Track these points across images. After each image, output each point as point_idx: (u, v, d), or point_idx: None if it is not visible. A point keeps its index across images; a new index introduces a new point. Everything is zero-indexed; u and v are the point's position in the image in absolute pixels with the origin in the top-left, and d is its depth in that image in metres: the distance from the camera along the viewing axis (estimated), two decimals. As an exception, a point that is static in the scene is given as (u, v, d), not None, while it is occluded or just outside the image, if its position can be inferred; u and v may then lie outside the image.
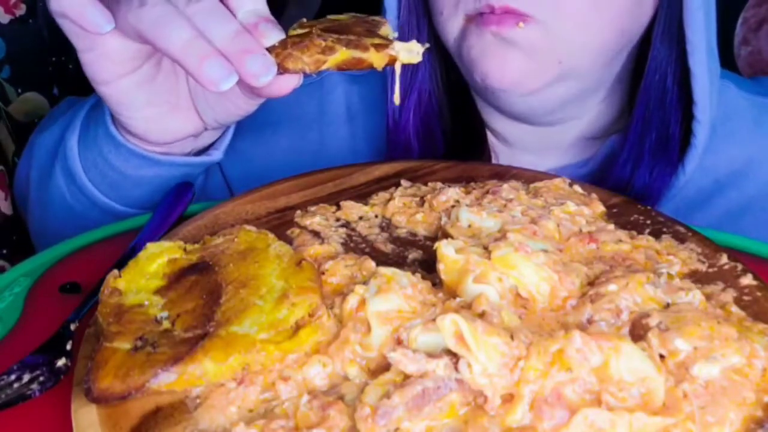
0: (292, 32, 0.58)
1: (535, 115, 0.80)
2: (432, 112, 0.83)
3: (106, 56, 0.61)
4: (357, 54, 0.56)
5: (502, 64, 0.71)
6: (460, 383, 0.40)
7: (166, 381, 0.42)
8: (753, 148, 0.79)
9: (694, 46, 0.71)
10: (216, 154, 0.75)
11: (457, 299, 0.46)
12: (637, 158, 0.76)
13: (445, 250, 0.48)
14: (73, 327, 0.50)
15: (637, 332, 0.44)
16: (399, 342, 0.43)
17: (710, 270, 0.53)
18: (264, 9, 0.57)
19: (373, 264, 0.51)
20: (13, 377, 0.45)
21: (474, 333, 0.39)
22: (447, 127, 0.84)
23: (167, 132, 0.69)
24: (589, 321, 0.45)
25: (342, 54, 0.56)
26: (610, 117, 0.82)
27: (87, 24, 0.57)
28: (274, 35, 0.56)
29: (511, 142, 0.85)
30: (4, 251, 0.93)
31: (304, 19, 0.60)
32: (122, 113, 0.67)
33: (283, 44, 0.56)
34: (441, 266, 0.48)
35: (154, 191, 0.73)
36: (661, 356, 0.42)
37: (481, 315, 0.43)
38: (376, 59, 0.56)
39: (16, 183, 0.88)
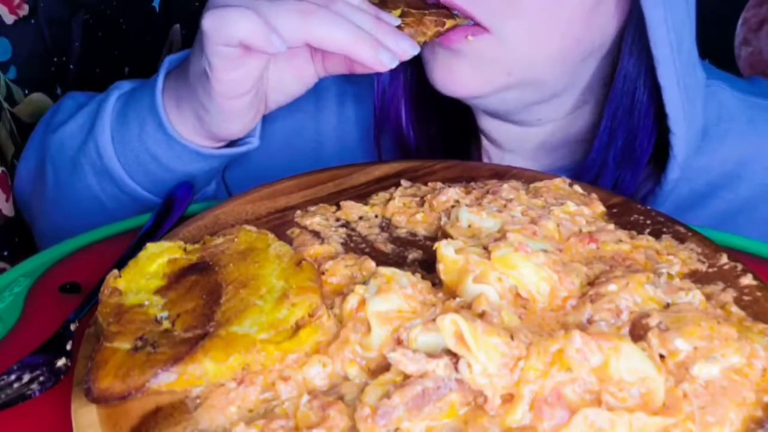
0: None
1: (500, 112, 0.80)
2: (421, 90, 0.83)
3: (249, 71, 0.65)
4: (453, 22, 0.68)
5: (448, 72, 0.72)
6: (460, 383, 0.40)
7: (166, 381, 0.42)
8: (746, 148, 0.78)
9: (659, 61, 0.69)
10: (254, 141, 0.77)
11: (457, 299, 0.46)
12: (601, 166, 0.77)
13: (444, 250, 0.48)
14: (73, 327, 0.50)
15: (637, 332, 0.44)
16: (399, 342, 0.43)
17: (710, 270, 0.52)
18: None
19: (373, 264, 0.51)
20: (13, 377, 0.45)
21: (474, 333, 0.39)
22: (440, 105, 0.84)
23: (248, 127, 0.72)
24: (589, 321, 0.45)
25: (449, 23, 0.68)
26: (591, 120, 0.82)
27: (271, 47, 0.60)
28: (392, 19, 0.66)
29: (499, 143, 0.85)
30: (5, 253, 0.93)
31: None
32: (234, 120, 0.70)
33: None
34: (441, 266, 0.48)
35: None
36: (661, 356, 0.42)
37: (481, 315, 0.43)
38: (459, 23, 0.69)
39: (17, 183, 0.88)
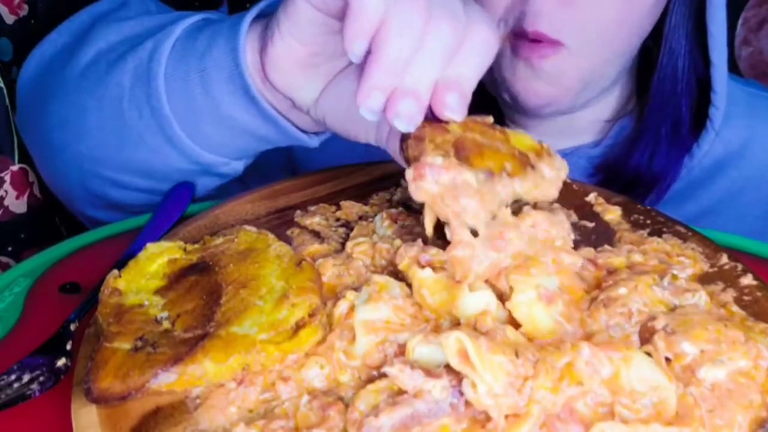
0: None
1: (555, 114, 0.83)
2: None
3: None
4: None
5: (529, 89, 0.76)
6: (453, 408, 0.38)
7: (166, 381, 0.42)
8: (748, 131, 0.85)
9: (716, 39, 0.76)
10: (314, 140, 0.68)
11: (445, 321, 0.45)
12: (655, 145, 0.82)
13: (422, 274, 0.46)
14: (73, 327, 0.50)
15: (644, 336, 0.43)
16: (396, 355, 0.42)
17: (710, 270, 0.52)
18: None
19: (359, 264, 0.51)
20: (13, 377, 0.45)
21: (478, 351, 0.38)
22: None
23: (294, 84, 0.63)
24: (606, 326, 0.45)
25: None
26: (622, 101, 0.87)
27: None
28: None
29: (527, 129, 0.88)
30: (9, 248, 0.93)
31: None
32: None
33: None
34: (424, 291, 0.46)
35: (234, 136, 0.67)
36: (667, 359, 0.41)
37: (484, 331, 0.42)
38: None
39: (33, 58, 0.82)
